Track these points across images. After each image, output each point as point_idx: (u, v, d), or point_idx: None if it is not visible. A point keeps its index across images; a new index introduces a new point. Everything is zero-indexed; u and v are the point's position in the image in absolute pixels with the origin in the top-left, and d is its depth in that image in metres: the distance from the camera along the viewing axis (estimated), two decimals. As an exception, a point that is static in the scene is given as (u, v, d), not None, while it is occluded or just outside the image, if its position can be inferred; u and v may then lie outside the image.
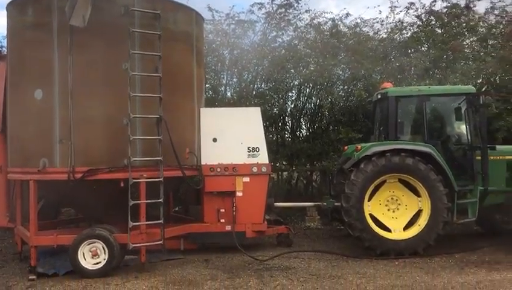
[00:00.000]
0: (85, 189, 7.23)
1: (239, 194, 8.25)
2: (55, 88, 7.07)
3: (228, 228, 8.21)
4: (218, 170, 8.24)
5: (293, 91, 12.88)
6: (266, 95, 12.16)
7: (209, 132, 8.34)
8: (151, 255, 7.70)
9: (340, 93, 12.68)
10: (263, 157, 8.34)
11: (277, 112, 12.38)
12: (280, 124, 12.77)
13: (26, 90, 7.26)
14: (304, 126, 13.07)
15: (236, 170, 8.24)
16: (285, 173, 13.12)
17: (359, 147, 8.22)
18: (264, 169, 8.31)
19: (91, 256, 7.02)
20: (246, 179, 8.28)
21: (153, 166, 7.22)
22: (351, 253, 8.09)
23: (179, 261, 7.85)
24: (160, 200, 7.17)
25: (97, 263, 7.01)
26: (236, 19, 12.37)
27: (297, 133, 12.94)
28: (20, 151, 7.42)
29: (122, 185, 7.01)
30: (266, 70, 12.17)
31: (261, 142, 8.37)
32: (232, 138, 8.31)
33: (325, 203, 8.72)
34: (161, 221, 7.20)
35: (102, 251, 7.02)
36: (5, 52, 8.58)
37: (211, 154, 8.28)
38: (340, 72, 12.71)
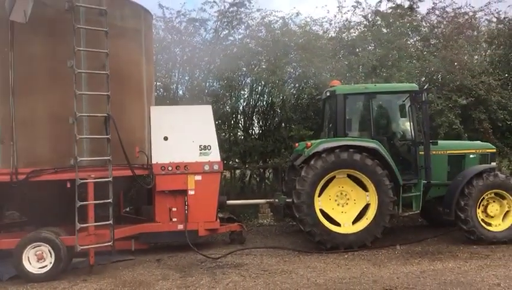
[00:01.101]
0: (29, 191, 6.99)
1: (191, 192, 8.20)
2: (-5, 86, 6.79)
3: (180, 227, 8.14)
4: (170, 168, 8.15)
5: (245, 89, 12.94)
6: (218, 93, 12.14)
7: (159, 130, 8.23)
8: (101, 257, 7.52)
9: (292, 91, 12.81)
10: (215, 155, 8.32)
11: (229, 110, 12.39)
12: (232, 122, 12.78)
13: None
14: (256, 124, 13.16)
15: (188, 168, 8.19)
16: (238, 171, 13.16)
17: (309, 143, 8.36)
18: (216, 167, 8.30)
19: (36, 260, 6.80)
20: (198, 177, 8.23)
21: (101, 166, 7.07)
22: (302, 248, 8.24)
23: (130, 262, 7.73)
24: (109, 201, 7.02)
25: (43, 267, 6.80)
26: (188, 16, 12.30)
27: (250, 131, 12.98)
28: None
29: (68, 185, 6.82)
30: (218, 68, 12.16)
31: (212, 140, 8.35)
32: (183, 136, 8.24)
33: (276, 200, 8.81)
34: (110, 222, 7.05)
35: (49, 254, 6.81)
36: None
37: (162, 153, 8.17)
38: (291, 70, 12.84)
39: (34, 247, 6.81)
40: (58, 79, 6.94)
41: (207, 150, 8.31)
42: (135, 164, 7.74)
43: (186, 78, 12.57)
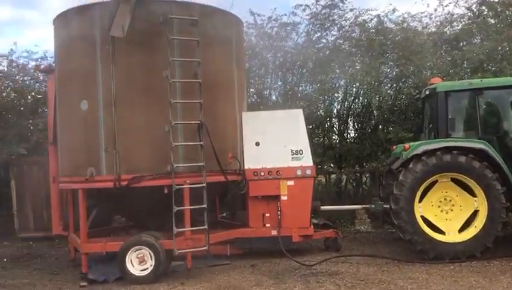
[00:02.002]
0: (131, 196, 7.36)
1: (284, 198, 8.12)
2: (99, 98, 7.26)
3: (274, 232, 8.08)
4: (262, 173, 8.15)
5: (339, 92, 12.63)
6: (312, 97, 11.97)
7: (251, 135, 8.27)
8: (198, 261, 7.72)
9: (389, 91, 12.28)
10: (307, 160, 8.17)
11: (323, 113, 12.16)
12: (327, 126, 12.53)
13: (73, 102, 7.51)
14: (351, 127, 12.78)
15: (280, 173, 8.11)
16: (333, 176, 12.83)
17: (407, 145, 7.87)
18: (308, 172, 8.13)
19: (138, 262, 7.11)
20: (290, 183, 8.13)
21: (196, 172, 7.23)
22: (402, 257, 7.74)
23: (225, 266, 7.81)
24: (204, 206, 7.15)
25: (144, 269, 7.09)
26: (279, 21, 12.29)
27: (345, 135, 12.63)
28: (69, 161, 7.67)
29: (166, 191, 7.06)
30: (311, 71, 12.00)
31: (304, 145, 8.21)
32: (275, 141, 8.20)
33: (373, 206, 8.41)
34: (205, 227, 7.18)
35: (149, 257, 7.09)
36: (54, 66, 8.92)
37: (254, 158, 8.20)
38: (388, 70, 12.35)
39: (136, 250, 7.13)
40: (154, 89, 7.23)
41: (299, 155, 8.18)
42: (228, 169, 7.83)
43: (279, 83, 12.60)
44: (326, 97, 12.25)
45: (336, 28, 12.40)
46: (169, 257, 7.21)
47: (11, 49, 12.54)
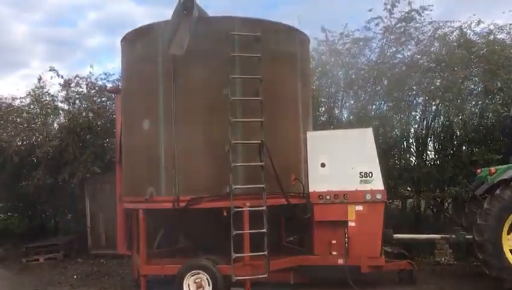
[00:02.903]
0: (192, 218, 7.16)
1: (351, 224, 7.52)
2: (160, 117, 7.19)
3: (340, 261, 7.48)
4: (328, 197, 7.62)
5: (417, 110, 11.77)
6: (386, 116, 11.24)
7: (316, 156, 7.79)
8: (258, 287, 7.33)
9: (473, 109, 11.24)
10: (377, 183, 7.52)
11: (399, 133, 11.36)
12: (403, 147, 11.69)
13: (136, 121, 7.53)
14: (431, 148, 11.80)
15: (348, 197, 7.54)
16: (410, 200, 11.88)
17: (493, 169, 7.00)
18: (378, 196, 7.48)
19: (196, 288, 6.87)
20: (359, 207, 7.52)
21: (256, 194, 6.89)
22: (487, 296, 6.81)
23: (285, 295, 7.32)
24: (264, 231, 6.76)
25: (202, 295, 6.83)
26: (351, 37, 11.77)
27: (424, 156, 11.68)
28: (131, 181, 7.67)
29: (225, 214, 6.78)
30: (385, 89, 11.31)
31: (374, 166, 7.57)
32: (342, 162, 7.66)
33: (453, 236, 7.53)
34: (265, 253, 6.77)
35: (207, 283, 6.82)
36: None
37: (319, 181, 7.70)
38: (472, 86, 11.32)
39: (194, 274, 6.90)
40: (215, 107, 7.04)
41: (368, 178, 7.56)
42: (291, 192, 7.40)
43: (351, 101, 11.98)
44: (402, 116, 11.46)
45: (412, 42, 11.62)
46: (228, 283, 6.87)
47: (90, 72, 13.16)
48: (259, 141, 6.91)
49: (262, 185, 6.82)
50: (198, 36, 6.89)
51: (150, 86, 7.32)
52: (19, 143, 13.03)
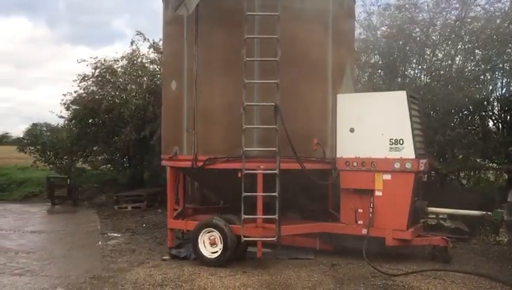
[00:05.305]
0: (220, 177, 7.30)
1: (378, 193, 7.05)
2: (184, 78, 7.33)
3: (364, 231, 7.10)
4: (355, 164, 7.20)
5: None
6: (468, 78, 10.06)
7: (346, 120, 7.36)
8: (282, 250, 7.39)
9: None
10: (408, 152, 6.88)
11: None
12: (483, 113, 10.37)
13: (167, 83, 7.79)
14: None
15: (375, 165, 7.05)
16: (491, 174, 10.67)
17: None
18: (408, 165, 6.86)
19: (210, 244, 7.07)
20: (387, 177, 7.00)
21: (272, 157, 6.76)
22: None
23: (303, 262, 7.20)
24: (275, 194, 6.65)
25: (215, 252, 7.02)
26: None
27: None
28: (164, 139, 8.01)
29: (239, 175, 6.79)
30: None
31: (406, 133, 6.92)
32: (372, 128, 7.13)
33: (489, 213, 6.65)
34: (275, 216, 6.69)
35: (219, 240, 6.99)
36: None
37: (347, 146, 7.30)
38: None
39: (208, 232, 7.09)
40: (233, 69, 6.95)
41: (399, 145, 6.96)
42: (312, 157, 7.13)
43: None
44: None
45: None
46: (241, 243, 6.95)
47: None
48: (273, 104, 6.71)
49: (275, 149, 6.67)
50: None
51: (176, 47, 7.47)
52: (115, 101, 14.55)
